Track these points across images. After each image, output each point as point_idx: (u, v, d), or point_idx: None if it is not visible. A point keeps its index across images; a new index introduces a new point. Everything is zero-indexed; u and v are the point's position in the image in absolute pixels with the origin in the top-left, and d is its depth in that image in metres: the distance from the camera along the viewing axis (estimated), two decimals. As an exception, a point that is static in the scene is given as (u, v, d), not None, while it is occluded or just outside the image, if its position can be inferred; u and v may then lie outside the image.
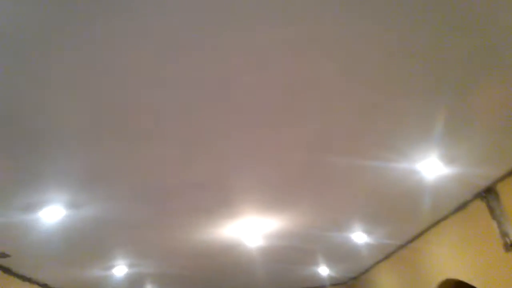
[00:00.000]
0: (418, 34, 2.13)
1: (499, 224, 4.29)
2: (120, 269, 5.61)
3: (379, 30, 2.09)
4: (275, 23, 1.97)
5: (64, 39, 1.89)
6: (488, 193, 4.37)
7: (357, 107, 2.70)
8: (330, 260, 6.97)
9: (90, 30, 1.86)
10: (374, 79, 2.44)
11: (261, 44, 2.09)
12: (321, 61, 2.25)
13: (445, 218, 5.18)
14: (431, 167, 3.63)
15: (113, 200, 3.56)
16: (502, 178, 4.13)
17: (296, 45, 2.12)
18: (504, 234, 4.25)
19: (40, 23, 1.78)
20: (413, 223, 5.43)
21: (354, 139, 3.12)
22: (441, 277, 5.51)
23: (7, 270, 4.76)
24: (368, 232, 5.46)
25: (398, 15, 2.01)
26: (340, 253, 6.39)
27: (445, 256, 5.41)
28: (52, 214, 3.50)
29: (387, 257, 6.98)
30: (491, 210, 4.37)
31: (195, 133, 2.78)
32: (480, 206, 4.50)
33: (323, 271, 7.64)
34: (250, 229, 4.80)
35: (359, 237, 5.60)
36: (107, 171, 3.11)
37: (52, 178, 3.07)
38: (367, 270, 7.96)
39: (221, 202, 3.99)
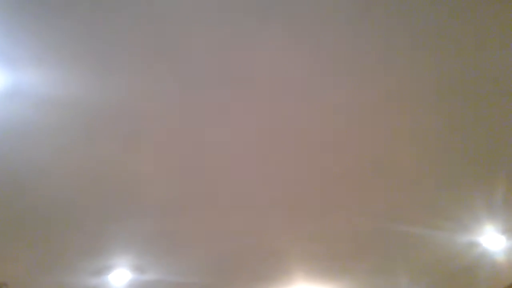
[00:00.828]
0: (480, 106, 2.23)
1: None
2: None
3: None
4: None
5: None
6: (552, 267, 4.21)
7: (425, 183, 2.80)
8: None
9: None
10: (446, 159, 2.55)
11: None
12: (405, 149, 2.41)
13: (505, 291, 4.98)
14: (492, 240, 3.59)
15: (174, 264, 3.66)
16: None
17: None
18: None
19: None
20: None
21: (416, 211, 3.19)
22: None
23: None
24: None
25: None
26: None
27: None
28: (118, 277, 3.65)
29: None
30: (557, 285, 4.19)
31: (258, 203, 2.91)
32: (544, 280, 4.33)
33: None
34: (302, 296, 4.77)
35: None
36: (176, 237, 3.24)
37: (119, 243, 3.24)
38: None
39: (277, 270, 4.04)
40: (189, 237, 3.28)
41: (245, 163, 2.48)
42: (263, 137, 2.29)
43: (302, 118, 2.18)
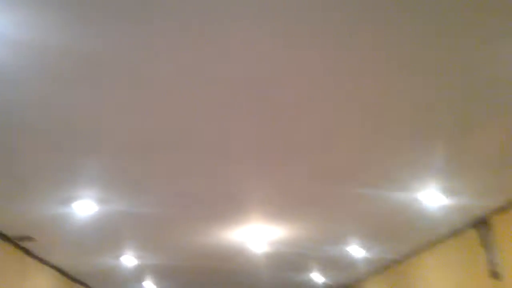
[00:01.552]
0: (424, 82, 2.44)
1: (488, 254, 4.63)
2: (129, 260, 5.96)
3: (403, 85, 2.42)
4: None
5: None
6: (481, 224, 4.70)
7: (368, 145, 3.06)
8: (327, 270, 7.33)
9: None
10: (387, 122, 2.78)
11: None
12: (346, 108, 2.60)
13: (439, 242, 5.53)
14: (431, 197, 3.97)
15: (138, 199, 3.88)
16: (495, 212, 4.47)
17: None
18: (492, 263, 4.59)
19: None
20: (409, 243, 5.78)
21: (361, 171, 3.49)
22: (430, 296, 5.86)
23: (28, 251, 5.11)
24: (365, 247, 5.82)
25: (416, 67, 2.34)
26: (337, 264, 6.74)
27: (435, 277, 5.76)
28: (84, 208, 3.85)
29: (380, 271, 7.33)
30: (482, 240, 4.71)
31: (222, 149, 3.10)
32: (472, 235, 4.84)
33: (319, 279, 8.00)
34: (257, 235, 5.15)
35: (356, 250, 5.95)
36: (138, 174, 3.42)
37: (87, 176, 3.40)
38: (360, 281, 8.30)
39: (235, 210, 4.34)
40: (152, 174, 3.45)
41: (211, 111, 2.62)
42: (230, 88, 2.42)
43: (266, 81, 2.33)
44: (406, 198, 4.01)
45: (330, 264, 6.81)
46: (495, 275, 4.54)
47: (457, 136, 3.00)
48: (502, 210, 4.38)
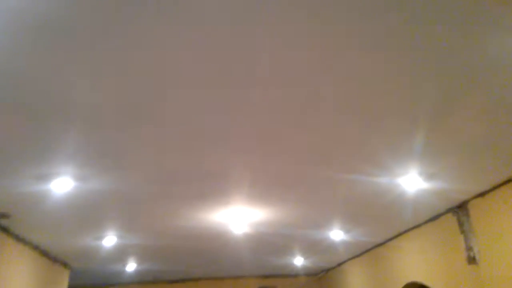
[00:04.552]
0: (403, 61, 2.42)
1: (466, 238, 4.71)
2: (110, 240, 5.91)
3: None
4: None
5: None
6: (460, 209, 4.78)
7: (350, 129, 3.05)
8: (307, 253, 7.41)
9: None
10: (367, 104, 2.76)
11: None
12: (321, 85, 2.57)
13: (418, 226, 5.61)
14: (411, 181, 4.00)
15: (118, 176, 3.81)
16: (473, 197, 4.53)
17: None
18: (468, 248, 4.67)
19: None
20: (389, 227, 5.85)
21: (343, 155, 3.48)
22: (408, 279, 5.97)
23: (5, 230, 5.03)
24: (345, 230, 5.87)
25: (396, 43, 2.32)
26: (317, 247, 6.81)
27: (414, 260, 5.85)
28: (61, 185, 3.78)
29: (359, 254, 7.44)
30: (460, 225, 4.78)
31: (204, 127, 3.05)
32: (451, 219, 4.92)
33: (299, 261, 8.08)
34: (239, 217, 5.14)
35: (337, 234, 6.00)
36: (117, 150, 3.33)
37: (64, 151, 3.32)
38: (339, 264, 8.42)
39: (216, 191, 4.31)
40: (132, 151, 3.37)
41: (192, 89, 2.57)
42: (211, 61, 2.37)
43: (240, 56, 2.28)
44: (386, 182, 4.04)
45: (311, 247, 6.88)
46: (471, 259, 4.63)
47: (436, 122, 3.00)
48: (479, 195, 4.44)
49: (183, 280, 9.55)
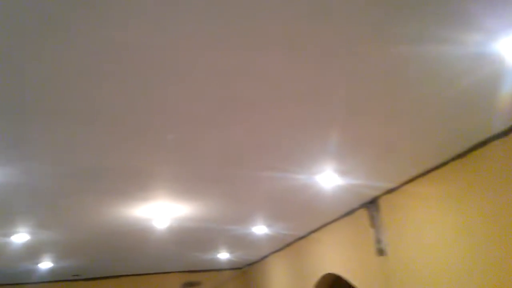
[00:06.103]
0: (317, 64, 2.56)
1: (376, 232, 5.07)
2: (21, 237, 5.59)
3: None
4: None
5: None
6: (371, 204, 5.12)
7: (264, 128, 3.16)
8: (232, 247, 7.53)
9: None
10: (279, 106, 2.87)
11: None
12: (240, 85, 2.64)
13: (334, 221, 5.93)
14: (328, 178, 4.22)
15: (29, 166, 3.58)
16: (383, 193, 4.89)
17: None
18: (378, 241, 5.03)
19: None
20: (309, 221, 6.13)
21: (264, 153, 3.60)
22: (324, 271, 6.30)
23: None
24: (268, 225, 6.06)
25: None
26: (241, 241, 6.94)
27: (330, 253, 6.19)
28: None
29: (282, 248, 7.70)
30: (371, 219, 5.13)
31: (127, 121, 2.98)
32: (363, 214, 5.26)
33: (224, 256, 8.18)
34: (161, 212, 5.10)
35: (260, 229, 6.17)
36: (29, 141, 3.13)
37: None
38: (263, 258, 8.65)
39: (137, 186, 4.24)
40: (40, 143, 3.17)
41: (109, 83, 2.51)
42: (137, 56, 2.33)
43: (162, 48, 2.28)
44: (305, 179, 4.22)
45: (235, 241, 7.00)
46: (380, 252, 4.99)
47: (347, 122, 3.19)
48: (388, 192, 4.80)
49: (105, 278, 9.27)
